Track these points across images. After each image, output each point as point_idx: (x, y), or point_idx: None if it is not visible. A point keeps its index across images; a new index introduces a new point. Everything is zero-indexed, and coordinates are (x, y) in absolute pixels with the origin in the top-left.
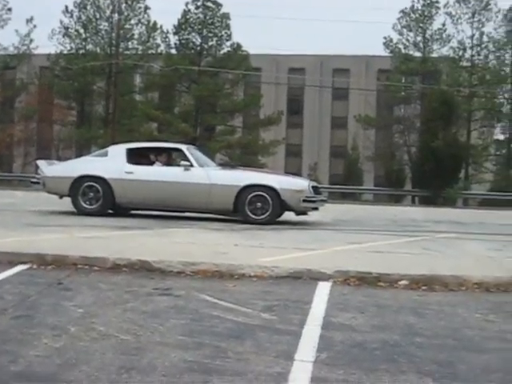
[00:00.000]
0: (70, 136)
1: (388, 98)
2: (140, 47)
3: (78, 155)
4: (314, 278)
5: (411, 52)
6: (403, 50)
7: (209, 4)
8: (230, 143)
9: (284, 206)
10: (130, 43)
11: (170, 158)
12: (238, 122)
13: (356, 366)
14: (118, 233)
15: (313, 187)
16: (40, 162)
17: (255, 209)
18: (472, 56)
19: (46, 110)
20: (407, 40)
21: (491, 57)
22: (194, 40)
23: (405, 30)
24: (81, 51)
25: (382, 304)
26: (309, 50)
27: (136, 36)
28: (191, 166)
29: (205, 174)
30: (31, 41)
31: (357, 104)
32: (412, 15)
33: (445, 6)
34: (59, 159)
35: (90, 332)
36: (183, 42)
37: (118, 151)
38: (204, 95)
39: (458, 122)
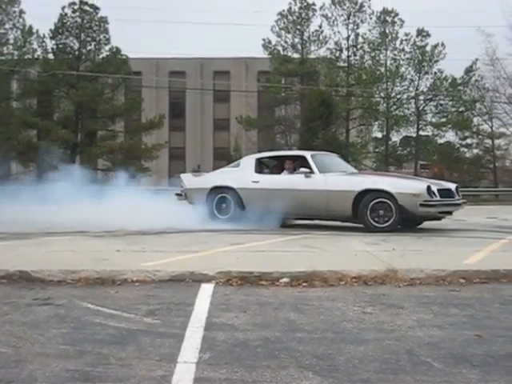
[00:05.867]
0: None
1: (268, 99)
2: (16, 52)
3: None
4: (197, 280)
5: (290, 53)
6: (282, 52)
7: (86, 8)
8: (112, 148)
9: (403, 212)
10: (5, 48)
11: (298, 165)
12: (120, 127)
13: (238, 365)
14: None
15: (439, 190)
16: (183, 175)
17: (377, 216)
18: (348, 57)
19: None
20: (285, 42)
21: (367, 57)
22: (71, 44)
23: (283, 32)
24: None
25: (264, 302)
26: (189, 53)
27: (11, 41)
28: (311, 172)
29: (323, 180)
30: None
31: (238, 106)
32: (289, 17)
33: (321, 8)
34: None
35: None
36: (60, 46)
37: (248, 161)
38: (83, 100)
39: (337, 121)
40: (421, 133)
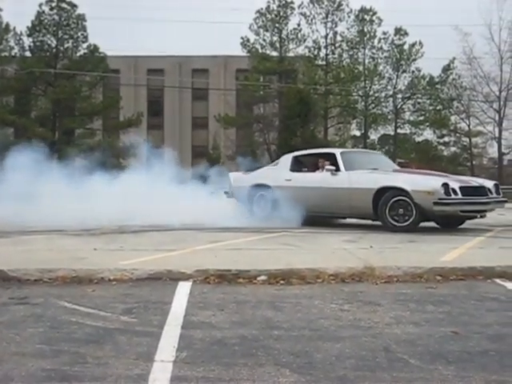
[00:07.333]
0: None
1: (247, 97)
2: None
3: None
4: (174, 278)
5: (268, 52)
6: (260, 50)
7: (63, 5)
8: (90, 146)
9: (421, 211)
10: None
11: (332, 163)
12: (98, 125)
13: (215, 363)
14: None
15: (463, 188)
16: (231, 174)
17: (397, 215)
18: (327, 55)
19: None
20: (264, 40)
21: (345, 55)
22: (49, 42)
23: (261, 30)
24: None
25: (241, 300)
26: (167, 51)
27: None
28: (337, 170)
29: (347, 177)
30: None
31: (216, 104)
32: (268, 15)
33: (299, 6)
34: None
35: None
36: (38, 44)
37: (286, 159)
38: (61, 98)
39: (315, 119)
40: (399, 131)
